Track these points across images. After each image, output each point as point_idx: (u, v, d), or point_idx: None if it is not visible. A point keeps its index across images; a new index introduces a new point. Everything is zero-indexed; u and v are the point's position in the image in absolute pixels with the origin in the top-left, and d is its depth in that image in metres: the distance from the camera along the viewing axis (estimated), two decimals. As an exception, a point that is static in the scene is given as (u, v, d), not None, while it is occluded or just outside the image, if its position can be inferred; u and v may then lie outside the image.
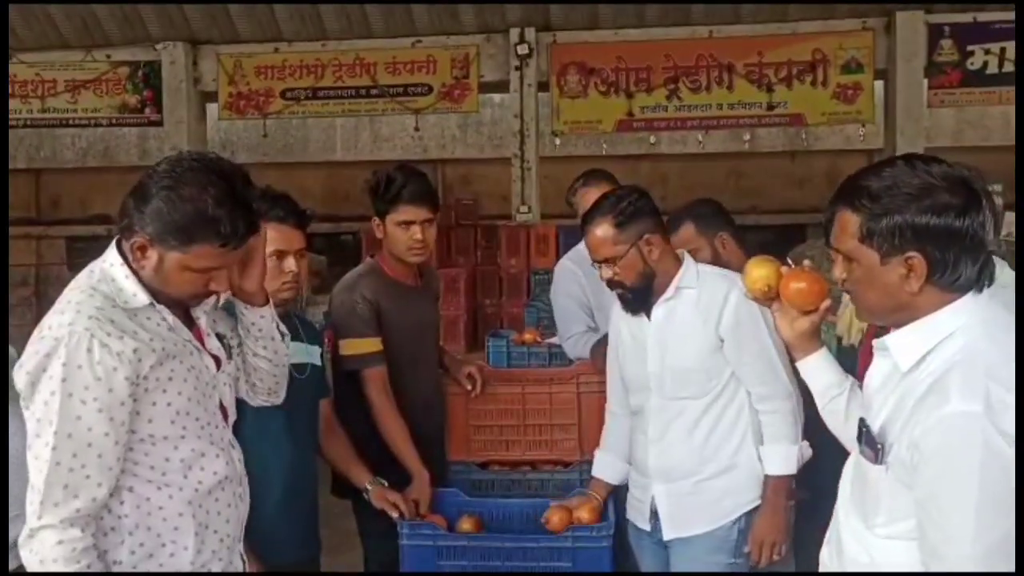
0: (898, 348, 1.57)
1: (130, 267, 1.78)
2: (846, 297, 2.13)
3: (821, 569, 1.77)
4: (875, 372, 1.66)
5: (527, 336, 3.60)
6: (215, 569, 1.87)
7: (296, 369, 2.56)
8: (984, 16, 7.92)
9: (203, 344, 1.89)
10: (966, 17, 7.98)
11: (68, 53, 8.87)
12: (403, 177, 2.85)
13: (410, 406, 2.86)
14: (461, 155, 11.86)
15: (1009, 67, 7.86)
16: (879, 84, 8.26)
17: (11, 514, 2.16)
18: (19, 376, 1.70)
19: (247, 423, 2.16)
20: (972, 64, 8.00)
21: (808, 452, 2.52)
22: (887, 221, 1.51)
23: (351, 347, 2.84)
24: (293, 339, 2.60)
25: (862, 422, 1.63)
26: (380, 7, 8.29)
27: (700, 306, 2.51)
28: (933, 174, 1.51)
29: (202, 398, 1.84)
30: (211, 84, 8.83)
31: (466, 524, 2.69)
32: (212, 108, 9.14)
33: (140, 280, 1.78)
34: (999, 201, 7.17)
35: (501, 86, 8.63)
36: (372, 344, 2.83)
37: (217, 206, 1.73)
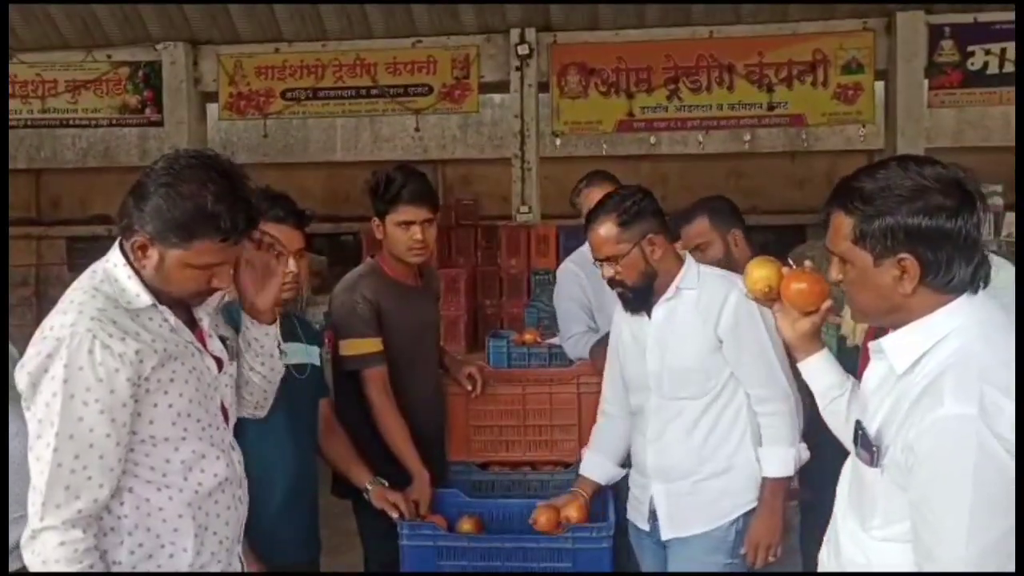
0: (893, 350, 1.58)
1: (133, 268, 1.78)
2: (852, 297, 2.13)
3: (820, 569, 1.77)
4: (871, 374, 1.67)
5: (527, 336, 3.60)
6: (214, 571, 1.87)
7: (296, 369, 2.57)
8: (984, 16, 7.92)
9: (205, 346, 1.89)
10: (966, 17, 7.98)
11: (68, 53, 8.86)
12: (403, 177, 2.85)
13: (410, 406, 2.86)
14: (461, 155, 11.85)
15: (1009, 67, 7.86)
16: (879, 84, 8.26)
17: (15, 515, 2.16)
18: (21, 377, 1.70)
19: (248, 424, 2.16)
20: (972, 64, 8.00)
21: (806, 455, 2.52)
22: (879, 223, 1.52)
23: (351, 347, 2.84)
24: (293, 339, 2.60)
25: (858, 424, 1.63)
26: (380, 7, 8.29)
27: (700, 306, 2.52)
28: (926, 176, 1.51)
29: (203, 399, 1.84)
30: (211, 84, 8.83)
31: (466, 525, 2.69)
32: (212, 108, 9.14)
33: (143, 280, 1.78)
34: (999, 201, 7.22)
35: (501, 86, 8.63)
36: (372, 344, 2.83)
37: (217, 201, 1.73)
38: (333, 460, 2.77)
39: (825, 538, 1.77)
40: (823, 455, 2.37)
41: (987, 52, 7.96)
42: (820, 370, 1.92)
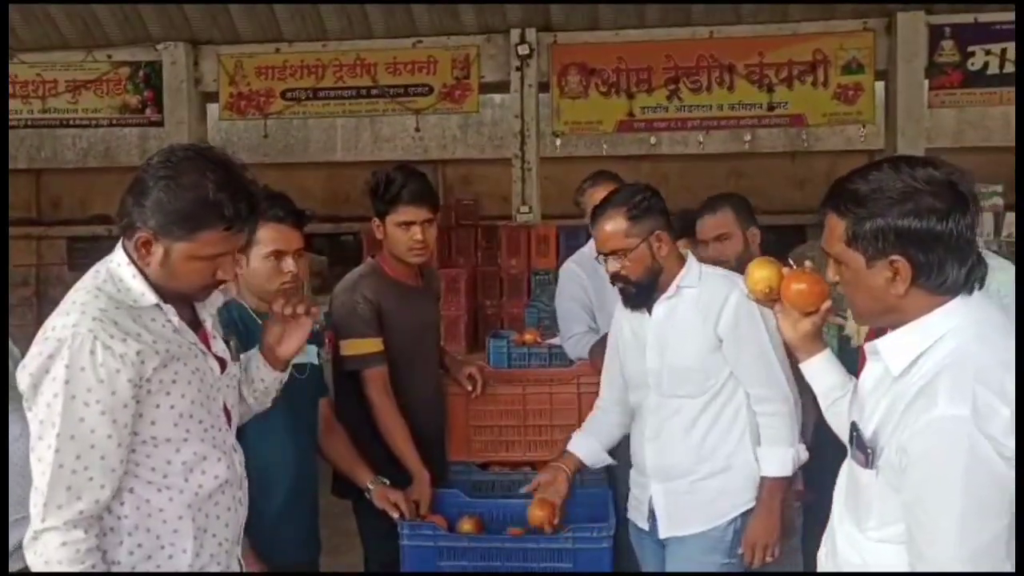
0: (889, 351, 1.58)
1: (137, 266, 1.78)
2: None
3: (819, 570, 1.78)
4: (867, 375, 1.67)
5: (528, 337, 3.60)
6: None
7: (296, 369, 2.56)
8: (985, 17, 7.91)
9: (209, 346, 1.89)
10: (967, 18, 7.97)
11: (69, 53, 8.85)
12: (403, 177, 2.85)
13: (410, 406, 2.86)
14: (462, 155, 11.84)
15: (1010, 68, 7.85)
16: (880, 85, 8.24)
17: (18, 516, 2.16)
18: (22, 377, 1.70)
19: (249, 424, 2.16)
20: (973, 65, 7.99)
21: (805, 455, 2.52)
22: (870, 225, 1.53)
23: (352, 347, 2.84)
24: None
25: (853, 426, 1.64)
26: (381, 7, 8.28)
27: (700, 305, 2.52)
28: (917, 178, 1.51)
29: (206, 400, 1.84)
30: (212, 84, 8.82)
31: (466, 525, 2.69)
32: (213, 108, 9.13)
33: (147, 279, 1.78)
34: (1000, 201, 7.22)
35: (502, 86, 8.62)
36: (373, 344, 2.83)
37: (219, 190, 1.73)
38: (334, 460, 2.77)
39: (823, 539, 1.78)
40: (825, 456, 2.38)
41: (987, 52, 7.95)
42: (822, 371, 1.92)
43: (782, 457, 2.49)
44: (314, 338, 2.72)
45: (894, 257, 1.52)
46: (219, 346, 1.93)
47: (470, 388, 3.05)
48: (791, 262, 1.99)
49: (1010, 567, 1.41)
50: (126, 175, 1.85)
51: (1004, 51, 7.89)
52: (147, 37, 8.71)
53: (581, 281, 3.36)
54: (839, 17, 8.09)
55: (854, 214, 1.54)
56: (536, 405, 3.04)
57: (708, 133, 9.00)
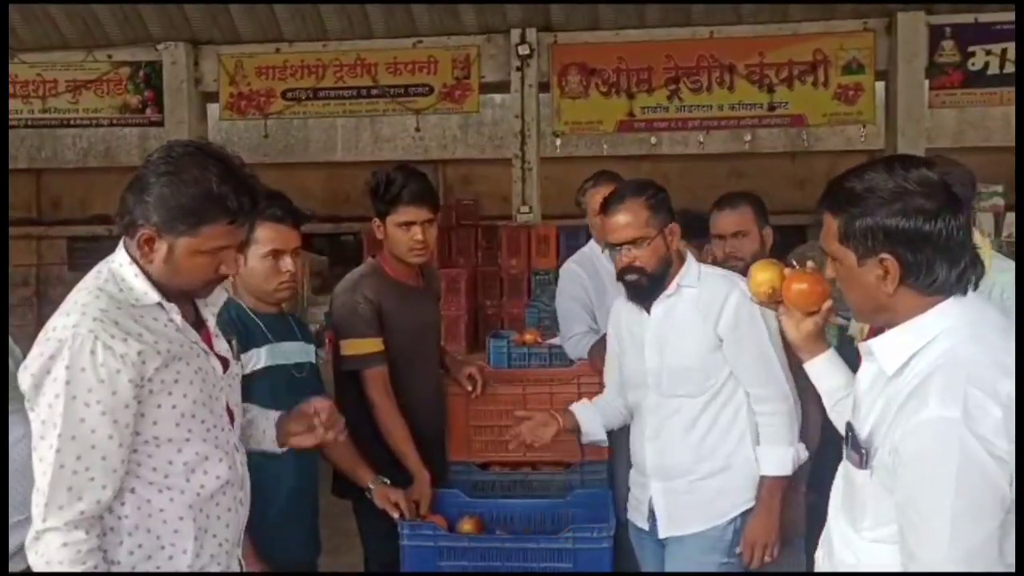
0: (882, 352, 1.59)
1: (139, 265, 1.78)
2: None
3: (816, 569, 1.78)
4: (863, 375, 1.68)
5: (528, 337, 3.60)
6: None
7: (296, 369, 2.57)
8: (985, 17, 7.91)
9: (211, 346, 1.89)
10: (967, 18, 7.97)
11: (69, 53, 8.86)
12: (403, 178, 2.85)
13: (411, 406, 2.86)
14: (462, 155, 11.84)
15: (1010, 68, 7.85)
16: (880, 85, 8.25)
17: (21, 517, 2.16)
18: (24, 378, 1.70)
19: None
20: (973, 65, 7.99)
21: (804, 454, 2.52)
22: (860, 223, 1.54)
23: (352, 347, 2.84)
24: (291, 338, 2.61)
25: (848, 426, 1.65)
26: (381, 7, 8.28)
27: (700, 304, 2.52)
28: (909, 178, 1.53)
29: (208, 400, 1.84)
30: (212, 84, 8.82)
31: (467, 525, 2.70)
32: (213, 108, 9.13)
33: (149, 278, 1.78)
34: (1000, 201, 7.21)
35: (502, 86, 8.63)
36: (373, 344, 2.83)
37: (221, 183, 1.74)
38: (334, 460, 2.76)
39: (820, 540, 1.78)
40: (827, 456, 2.38)
41: (988, 52, 7.95)
42: (826, 371, 1.93)
43: (781, 456, 2.49)
44: (309, 338, 2.72)
45: (883, 255, 1.53)
46: (222, 345, 1.93)
47: (470, 388, 3.05)
48: (793, 262, 1.99)
49: (1002, 567, 1.41)
50: (126, 175, 1.85)
51: (1004, 51, 7.89)
52: (147, 37, 8.71)
53: (581, 281, 3.36)
54: (839, 17, 8.09)
55: (847, 212, 1.56)
56: (536, 405, 3.03)
57: (708, 133, 9.00)
